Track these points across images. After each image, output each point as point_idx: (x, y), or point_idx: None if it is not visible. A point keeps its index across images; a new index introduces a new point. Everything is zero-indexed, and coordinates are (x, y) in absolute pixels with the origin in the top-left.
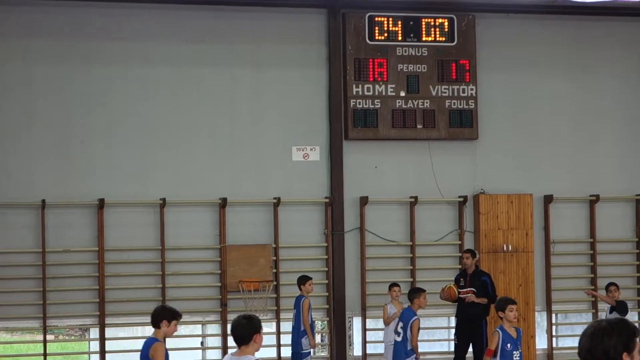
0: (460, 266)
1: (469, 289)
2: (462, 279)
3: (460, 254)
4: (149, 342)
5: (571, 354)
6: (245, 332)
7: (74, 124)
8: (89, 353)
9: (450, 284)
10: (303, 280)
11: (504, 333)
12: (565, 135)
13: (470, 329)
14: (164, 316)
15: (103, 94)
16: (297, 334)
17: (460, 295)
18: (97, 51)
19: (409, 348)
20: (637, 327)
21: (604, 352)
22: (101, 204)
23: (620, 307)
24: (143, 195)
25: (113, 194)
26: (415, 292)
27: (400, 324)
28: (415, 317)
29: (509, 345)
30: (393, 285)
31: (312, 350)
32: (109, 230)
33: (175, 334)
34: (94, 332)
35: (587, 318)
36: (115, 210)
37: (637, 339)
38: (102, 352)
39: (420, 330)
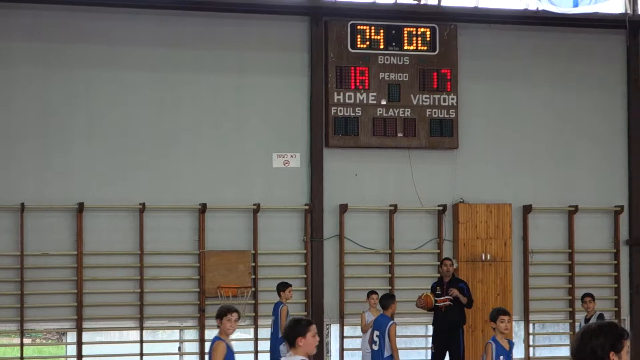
0: (438, 274)
1: (445, 297)
2: (438, 287)
3: (439, 263)
4: (212, 340)
5: None
6: (290, 335)
7: (54, 127)
8: (66, 357)
9: (427, 292)
10: (283, 287)
11: (496, 344)
12: (544, 146)
13: (447, 337)
14: (217, 315)
15: (84, 98)
16: (275, 340)
17: (437, 304)
18: (78, 54)
19: (386, 355)
20: (625, 329)
21: (592, 351)
22: (80, 207)
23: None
24: (122, 200)
25: (92, 198)
26: (389, 299)
27: (376, 332)
28: (392, 322)
29: (501, 357)
30: (371, 292)
31: None
32: (88, 234)
33: (152, 338)
34: (71, 336)
35: (565, 328)
36: (94, 214)
37: (626, 341)
38: (79, 356)
39: (398, 338)
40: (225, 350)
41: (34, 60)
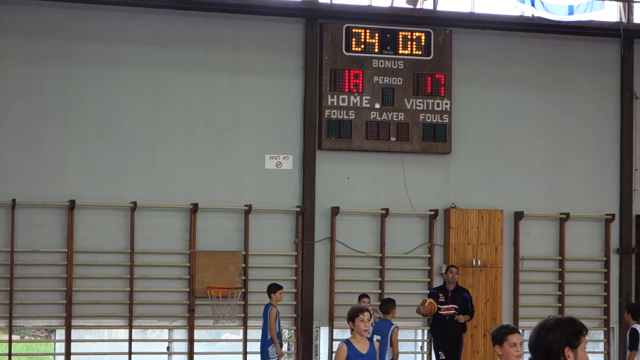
0: (428, 279)
1: (451, 305)
2: (441, 295)
3: (429, 267)
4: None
5: None
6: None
7: (47, 125)
8: (54, 354)
9: (430, 299)
10: (274, 288)
11: None
12: (537, 153)
13: (452, 344)
14: (348, 317)
15: (78, 96)
16: (264, 342)
17: (440, 312)
18: (73, 52)
19: (386, 359)
20: (584, 325)
21: (547, 345)
22: (72, 205)
23: (632, 335)
24: (114, 198)
25: (84, 196)
26: (389, 303)
27: (377, 337)
28: (394, 326)
29: None
30: (363, 296)
31: (278, 358)
32: (79, 231)
33: (141, 337)
34: (60, 334)
35: None
36: (85, 212)
37: (583, 337)
38: (68, 353)
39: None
40: (346, 353)
41: (28, 57)
